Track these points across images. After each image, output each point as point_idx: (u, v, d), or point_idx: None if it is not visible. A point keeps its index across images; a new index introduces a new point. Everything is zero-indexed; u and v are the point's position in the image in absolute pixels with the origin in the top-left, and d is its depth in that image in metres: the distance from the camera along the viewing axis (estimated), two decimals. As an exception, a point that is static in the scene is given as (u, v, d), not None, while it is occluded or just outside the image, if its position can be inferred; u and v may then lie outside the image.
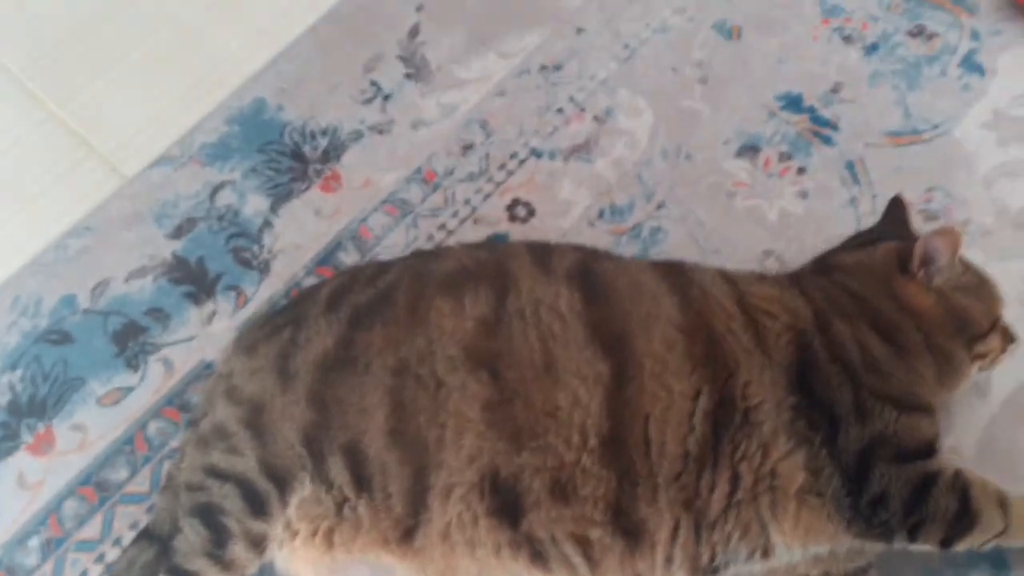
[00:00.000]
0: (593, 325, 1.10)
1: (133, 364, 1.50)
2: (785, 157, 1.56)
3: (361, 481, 1.12)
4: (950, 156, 1.51)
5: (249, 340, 1.32)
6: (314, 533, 1.14)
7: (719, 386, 1.06)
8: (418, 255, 1.41)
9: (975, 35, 1.64)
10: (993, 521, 1.09)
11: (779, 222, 1.49)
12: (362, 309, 1.20)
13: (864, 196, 1.50)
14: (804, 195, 1.52)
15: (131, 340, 1.52)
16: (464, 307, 1.14)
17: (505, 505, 1.07)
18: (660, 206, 1.54)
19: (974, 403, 1.30)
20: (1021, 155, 1.50)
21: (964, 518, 1.07)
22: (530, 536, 1.07)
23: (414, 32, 1.80)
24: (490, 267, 1.20)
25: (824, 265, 1.26)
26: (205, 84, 1.79)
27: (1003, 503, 1.10)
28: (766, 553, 1.10)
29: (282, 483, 1.15)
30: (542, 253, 1.21)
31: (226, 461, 1.19)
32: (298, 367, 1.18)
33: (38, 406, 1.48)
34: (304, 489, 1.14)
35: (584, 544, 1.06)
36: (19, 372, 1.51)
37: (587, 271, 1.17)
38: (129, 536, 1.33)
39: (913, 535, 1.05)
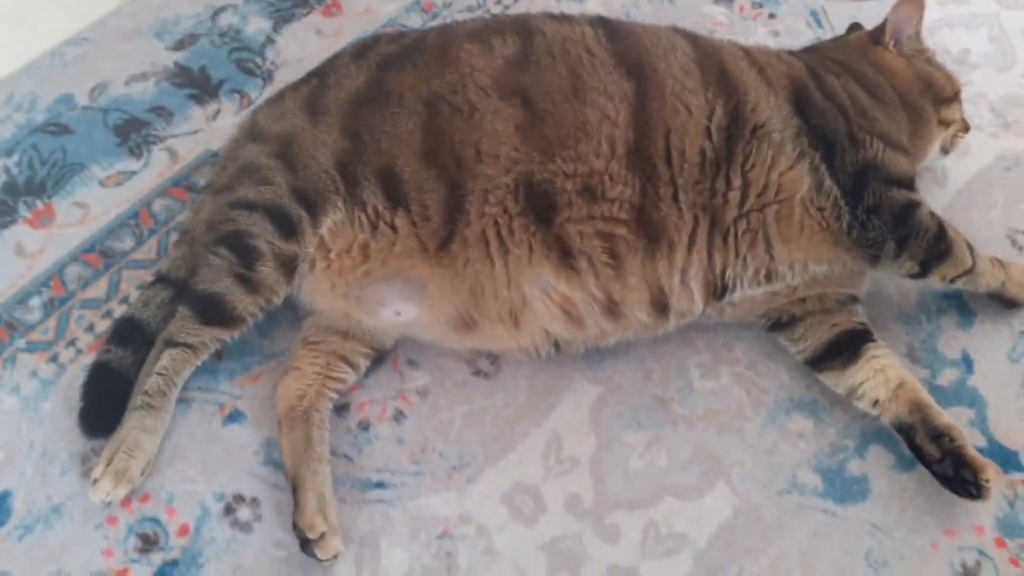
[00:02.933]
0: (618, 54, 1.20)
1: (136, 152, 1.51)
2: (757, 5, 1.73)
3: (396, 200, 1.18)
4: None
5: (272, 97, 1.37)
6: (349, 248, 1.19)
7: (731, 105, 1.18)
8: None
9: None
10: (964, 255, 1.23)
11: (754, 53, 1.64)
12: (391, 56, 1.27)
13: (826, 37, 1.67)
14: (775, 34, 1.68)
15: (133, 132, 1.53)
16: (493, 48, 1.23)
17: (539, 206, 1.15)
18: (647, 39, 1.67)
19: (933, 190, 1.47)
20: (957, 11, 1.72)
21: (941, 242, 1.21)
22: (560, 236, 1.15)
23: None
24: (513, 23, 1.29)
25: (809, 49, 1.41)
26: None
27: (970, 246, 1.25)
28: (770, 275, 1.21)
29: (313, 206, 1.20)
30: (560, 14, 1.31)
31: (255, 192, 1.22)
32: (329, 103, 1.24)
33: (36, 186, 1.46)
34: (337, 212, 1.19)
35: (610, 241, 1.15)
36: (15, 158, 1.50)
37: (605, 19, 1.28)
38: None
39: (900, 248, 1.18)
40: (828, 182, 1.18)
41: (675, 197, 1.16)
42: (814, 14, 1.71)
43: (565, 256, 1.16)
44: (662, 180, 1.16)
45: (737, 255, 1.19)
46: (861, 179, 1.18)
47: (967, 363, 1.29)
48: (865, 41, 1.37)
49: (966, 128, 1.43)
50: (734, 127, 1.17)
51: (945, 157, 1.44)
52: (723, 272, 1.20)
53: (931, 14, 1.70)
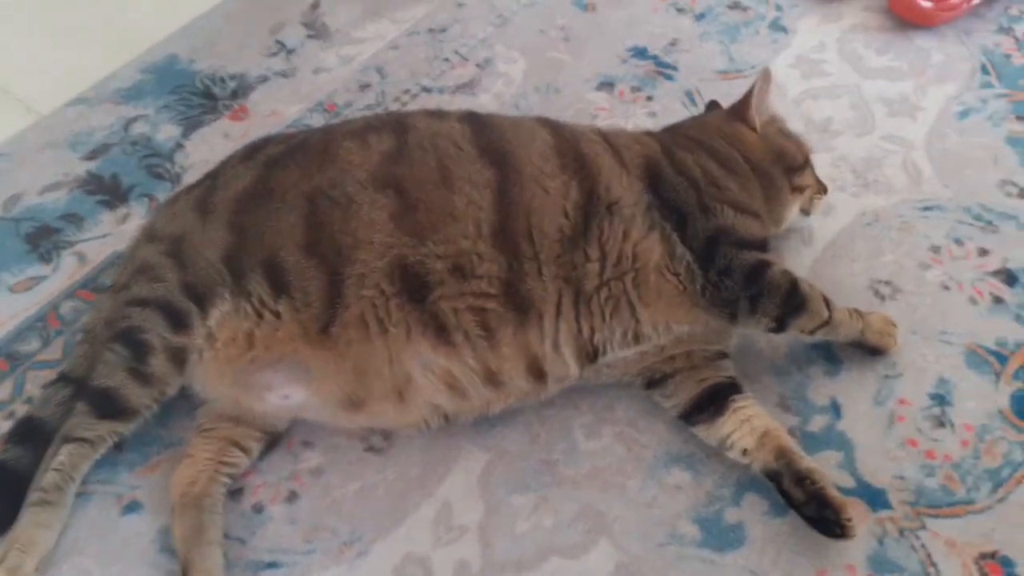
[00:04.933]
0: (481, 146, 1.31)
1: (46, 258, 1.58)
2: (636, 90, 1.86)
3: (280, 289, 1.25)
4: (765, 85, 1.85)
5: (168, 199, 1.45)
6: (235, 337, 1.25)
7: (586, 185, 1.28)
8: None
9: (778, 7, 2.04)
10: (819, 309, 1.32)
11: (634, 132, 1.77)
12: (277, 156, 1.36)
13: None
14: (653, 115, 1.81)
15: (44, 239, 1.61)
16: (370, 144, 1.33)
17: (413, 286, 1.22)
18: (534, 125, 1.79)
19: (801, 249, 1.57)
20: (820, 84, 1.86)
21: (794, 298, 1.29)
22: (435, 313, 1.22)
23: (315, 5, 2.05)
24: (390, 120, 1.40)
25: (671, 128, 1.53)
26: (119, 43, 1.95)
27: (826, 300, 1.34)
28: (637, 337, 1.29)
29: (202, 299, 1.27)
30: (435, 111, 1.42)
31: (148, 289, 1.30)
32: (217, 202, 1.33)
33: (-54, 297, 1.52)
34: (224, 304, 1.26)
35: (482, 315, 1.22)
36: (-75, 270, 1.55)
37: (474, 115, 1.39)
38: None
39: (753, 305, 1.27)
40: (680, 249, 1.27)
41: (539, 271, 1.24)
42: (688, 94, 1.85)
43: (441, 332, 1.23)
44: (526, 256, 1.24)
45: (603, 320, 1.27)
46: (713, 244, 1.28)
47: (835, 409, 1.37)
48: (723, 117, 1.50)
49: (823, 190, 1.54)
50: (589, 205, 1.27)
51: (808, 218, 1.55)
52: (592, 337, 1.28)
53: (796, 87, 1.86)
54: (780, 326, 1.30)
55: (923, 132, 1.75)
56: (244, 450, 1.30)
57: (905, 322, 1.44)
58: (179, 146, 1.76)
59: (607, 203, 1.28)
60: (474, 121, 1.36)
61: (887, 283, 1.52)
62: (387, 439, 1.35)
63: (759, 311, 1.28)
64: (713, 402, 1.30)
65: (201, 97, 1.84)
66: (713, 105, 1.63)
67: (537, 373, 1.28)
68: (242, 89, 1.86)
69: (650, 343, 1.31)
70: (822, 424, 1.35)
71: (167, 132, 1.79)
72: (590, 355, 1.29)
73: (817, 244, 1.58)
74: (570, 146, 1.33)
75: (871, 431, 1.34)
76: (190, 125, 1.80)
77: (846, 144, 1.74)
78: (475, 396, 1.28)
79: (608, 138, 1.38)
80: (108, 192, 1.68)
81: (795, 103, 1.82)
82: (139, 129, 1.79)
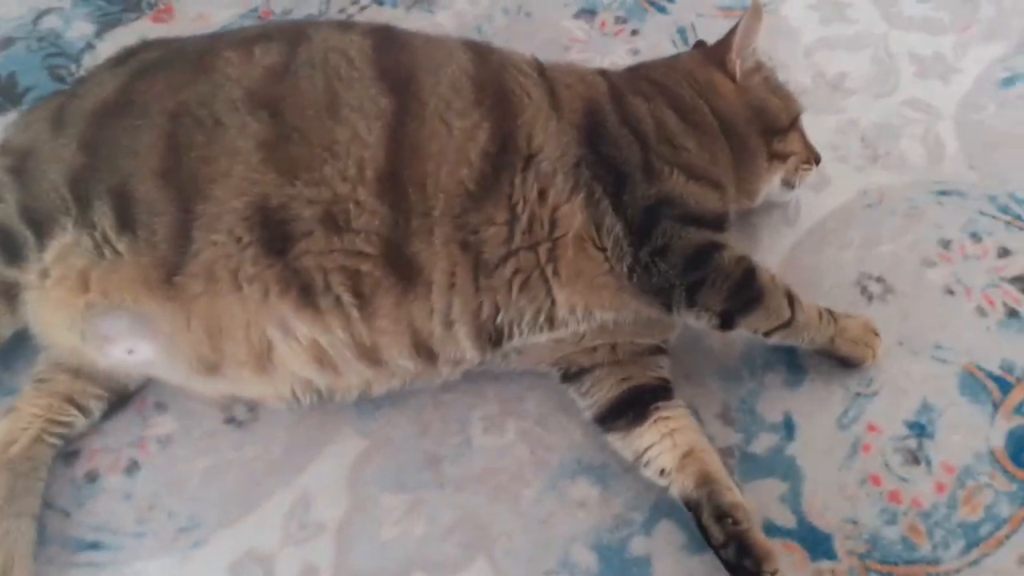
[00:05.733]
0: (382, 68, 1.07)
1: (-83, 162, 1.39)
2: (621, 21, 1.59)
3: (126, 222, 1.04)
4: (775, 28, 1.56)
5: (33, 106, 1.24)
6: (67, 276, 1.05)
7: (501, 129, 1.04)
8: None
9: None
10: (779, 306, 1.08)
11: (609, 71, 1.50)
12: (150, 63, 1.14)
13: (692, 57, 1.53)
14: (635, 52, 1.54)
15: (-81, 141, 1.41)
16: (254, 56, 1.10)
17: (273, 236, 1.01)
18: (495, 54, 1.53)
19: (781, 229, 1.32)
20: (841, 31, 1.57)
21: (747, 291, 1.05)
22: (298, 270, 1.01)
23: None
24: (288, 30, 1.16)
25: (631, 68, 1.26)
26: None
27: (791, 297, 1.09)
28: (551, 321, 1.06)
29: (40, 227, 1.06)
30: (345, 21, 1.18)
31: (-15, 209, 1.09)
32: (73, 114, 1.11)
33: None
34: (65, 235, 1.06)
35: (354, 279, 1.01)
36: None
37: (386, 29, 1.14)
38: None
39: (692, 296, 1.03)
40: (611, 218, 1.03)
41: (431, 231, 1.01)
42: (681, 31, 1.57)
43: (305, 293, 1.02)
44: (416, 211, 1.01)
45: (509, 298, 1.04)
46: (652, 216, 1.04)
47: (788, 428, 1.13)
48: (698, 60, 1.23)
49: (814, 159, 1.27)
50: (502, 154, 1.03)
51: (792, 192, 1.29)
52: (495, 316, 1.05)
53: (811, 33, 1.57)
54: (726, 323, 1.06)
55: (955, 99, 1.46)
56: (81, 408, 1.11)
57: (892, 329, 1.20)
58: (90, 46, 1.55)
59: (525, 154, 1.04)
60: (381, 36, 1.12)
61: (878, 279, 1.26)
62: (252, 411, 1.16)
63: (699, 303, 1.04)
64: (633, 407, 1.08)
65: (125, -9, 1.62)
66: (699, 44, 1.35)
67: (426, 353, 1.06)
68: (172, -15, 1.63)
69: (567, 329, 1.08)
70: (768, 445, 1.12)
71: (80, 30, 1.57)
72: (492, 338, 1.07)
73: (802, 224, 1.32)
74: (492, 77, 1.08)
75: (827, 460, 1.11)
76: (107, 23, 1.58)
77: (859, 106, 1.46)
78: (350, 373, 1.07)
79: (546, 73, 1.13)
80: (2, 93, 1.48)
81: (806, 53, 1.54)
82: (50, 23, 1.58)
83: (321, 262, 1.01)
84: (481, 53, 1.12)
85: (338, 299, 1.01)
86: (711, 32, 1.52)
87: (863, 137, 1.42)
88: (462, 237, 1.02)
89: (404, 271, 1.01)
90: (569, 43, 1.56)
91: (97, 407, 1.13)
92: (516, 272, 1.03)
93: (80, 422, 1.12)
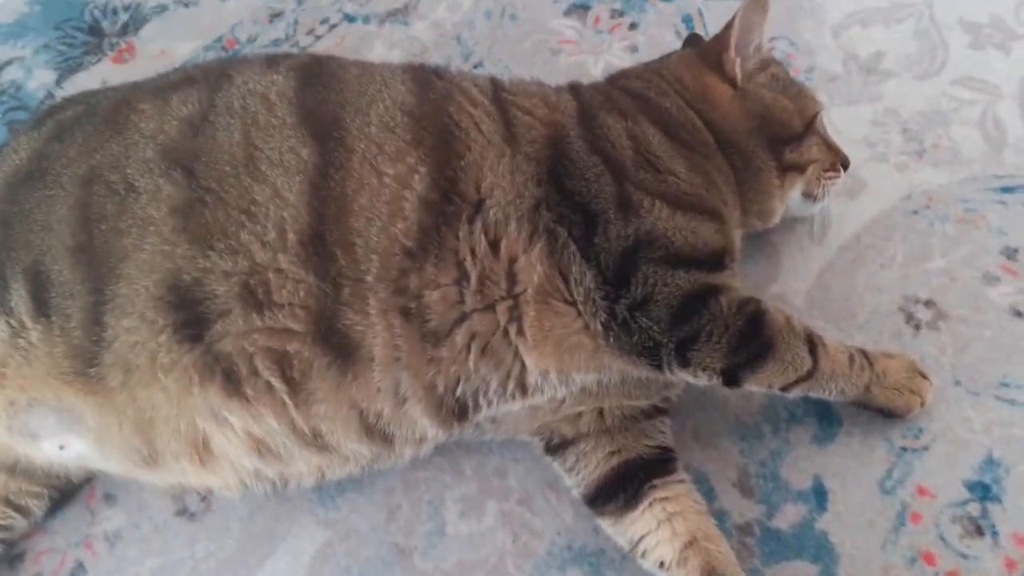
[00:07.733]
0: (304, 111, 0.92)
1: None
2: (617, 14, 1.40)
3: (40, 307, 0.93)
4: (795, 7, 1.35)
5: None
6: (-19, 370, 0.95)
7: (441, 172, 0.88)
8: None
9: None
10: (796, 357, 0.89)
11: (602, 76, 1.32)
12: (66, 123, 1.02)
13: (700, 48, 1.33)
14: (633, 49, 1.35)
15: None
16: (170, 107, 0.97)
17: (188, 319, 0.88)
18: (477, 65, 1.38)
19: (808, 248, 1.12)
20: (873, 3, 1.34)
21: (753, 343, 0.87)
22: (219, 355, 0.88)
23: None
24: (212, 71, 1.02)
25: (611, 76, 1.09)
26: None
27: (812, 342, 0.91)
28: (523, 387, 0.91)
29: (-45, 315, 0.96)
30: (280, 56, 1.04)
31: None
32: (-13, 185, 1.01)
33: None
34: (-19, 324, 0.96)
35: (282, 361, 0.87)
36: None
37: (316, 63, 0.99)
38: None
39: (683, 354, 0.86)
40: (578, 268, 0.86)
41: (365, 300, 0.86)
42: (687, 19, 1.37)
43: (229, 381, 0.88)
44: (346, 278, 0.86)
45: (469, 367, 0.89)
46: (629, 261, 0.86)
47: (819, 496, 0.95)
48: (689, 61, 1.04)
49: (841, 164, 1.07)
50: (444, 204, 0.87)
51: (816, 205, 1.08)
52: (454, 388, 0.90)
53: (840, 8, 1.35)
54: (730, 381, 0.88)
55: (1019, 74, 1.23)
56: (19, 509, 1.02)
57: (946, 365, 1.00)
58: (49, 95, 1.46)
59: (474, 200, 0.88)
60: (308, 72, 0.97)
61: (927, 304, 1.05)
62: (204, 500, 1.04)
63: (694, 362, 0.86)
64: (625, 488, 0.92)
65: (86, 33, 1.52)
66: (693, 40, 1.16)
67: (379, 436, 0.92)
68: (134, 22, 1.53)
69: (543, 395, 0.92)
70: (796, 519, 0.94)
71: (40, 78, 1.48)
72: (455, 411, 0.92)
73: (832, 241, 1.12)
74: (433, 110, 0.92)
75: (867, 535, 0.92)
76: (68, 69, 1.49)
77: (899, 91, 1.24)
78: (296, 461, 0.94)
79: (502, 96, 0.96)
80: (-40, 154, 1.40)
81: (834, 32, 1.32)
82: (11, 75, 1.49)
83: (243, 345, 0.87)
84: (424, 81, 0.96)
85: (268, 384, 0.88)
86: (720, 17, 1.33)
87: (905, 128, 1.20)
88: (402, 304, 0.87)
89: (339, 348, 0.87)
90: (558, 46, 1.38)
91: (37, 506, 1.03)
92: (473, 337, 0.88)
93: (20, 524, 1.02)
